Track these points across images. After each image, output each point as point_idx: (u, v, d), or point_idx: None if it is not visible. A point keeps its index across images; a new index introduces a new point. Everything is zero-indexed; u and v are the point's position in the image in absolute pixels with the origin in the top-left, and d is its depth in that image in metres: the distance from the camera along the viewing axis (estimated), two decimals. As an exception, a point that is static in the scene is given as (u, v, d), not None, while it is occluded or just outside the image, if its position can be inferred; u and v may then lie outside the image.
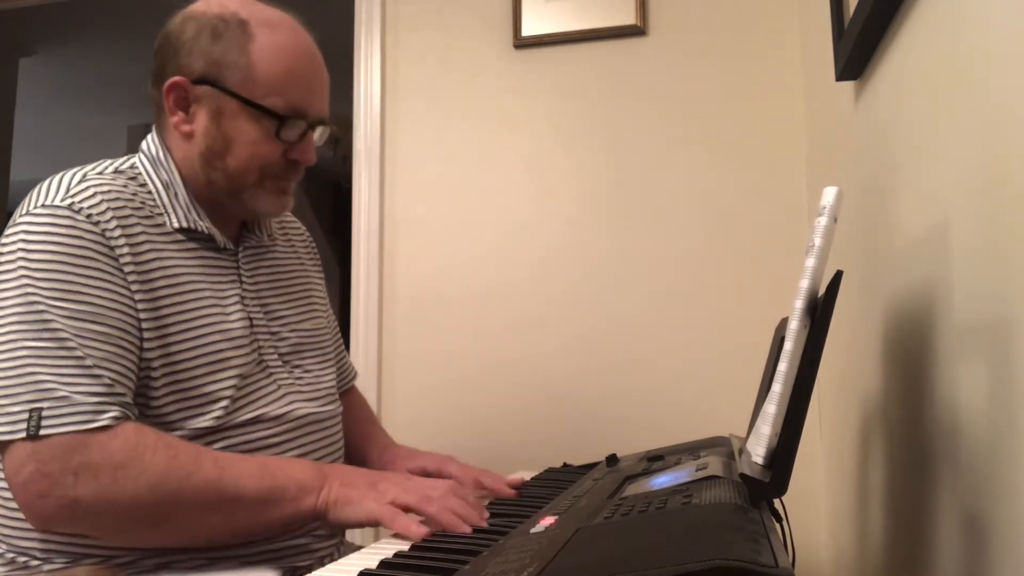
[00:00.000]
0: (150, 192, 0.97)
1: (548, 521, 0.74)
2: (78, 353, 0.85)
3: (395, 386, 1.76)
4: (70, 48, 3.56)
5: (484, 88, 1.79)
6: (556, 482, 1.11)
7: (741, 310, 1.59)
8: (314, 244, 1.24)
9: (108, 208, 0.91)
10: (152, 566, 0.89)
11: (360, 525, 0.89)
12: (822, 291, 0.66)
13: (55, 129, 4.37)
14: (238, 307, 1.00)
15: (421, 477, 0.93)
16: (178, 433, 0.91)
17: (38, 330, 0.85)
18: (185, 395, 0.92)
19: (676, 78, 1.69)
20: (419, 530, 0.80)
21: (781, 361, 0.66)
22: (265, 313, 1.04)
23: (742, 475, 0.66)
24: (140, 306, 0.90)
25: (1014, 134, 0.55)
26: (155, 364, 0.90)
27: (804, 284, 0.68)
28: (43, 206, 0.90)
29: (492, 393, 1.70)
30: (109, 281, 0.89)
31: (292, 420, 1.00)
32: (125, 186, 0.95)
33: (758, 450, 0.65)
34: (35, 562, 0.89)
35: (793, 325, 0.66)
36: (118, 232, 0.91)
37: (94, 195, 0.91)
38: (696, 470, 0.79)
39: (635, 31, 1.70)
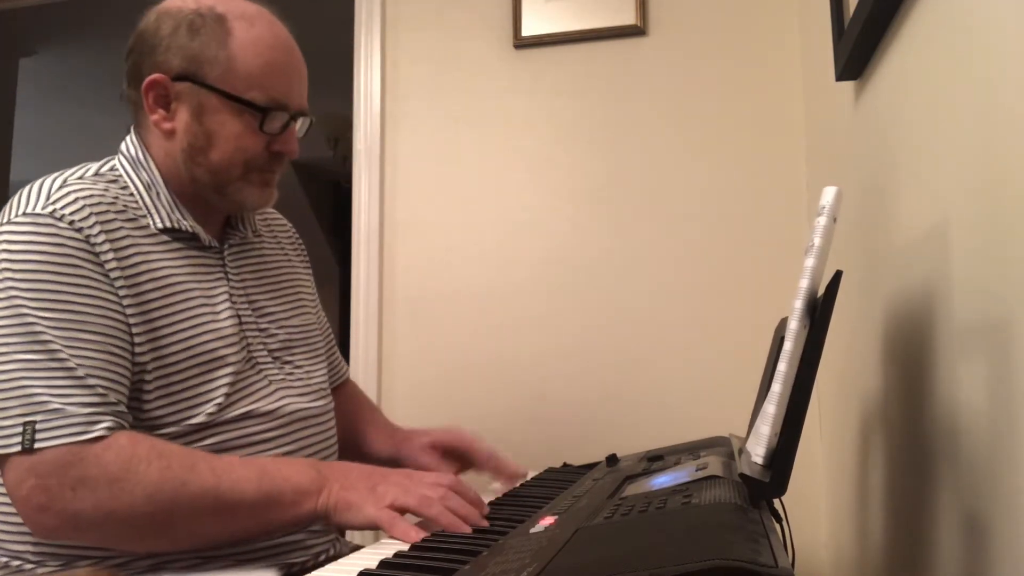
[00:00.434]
0: (132, 194, 0.97)
1: (548, 521, 0.74)
2: (69, 364, 0.84)
3: (395, 386, 1.76)
4: (70, 48, 3.56)
5: (484, 88, 1.79)
6: (556, 482, 1.11)
7: (741, 310, 1.59)
8: (300, 240, 1.23)
9: (91, 214, 0.90)
10: (147, 566, 0.89)
11: (360, 528, 0.88)
12: (822, 291, 0.66)
13: (55, 129, 4.37)
14: (227, 305, 0.99)
15: (422, 473, 0.92)
16: (169, 430, 0.91)
17: (28, 342, 0.84)
18: (178, 395, 0.92)
19: (676, 78, 1.69)
20: (418, 535, 0.80)
21: (781, 361, 0.66)
22: (254, 310, 1.04)
23: (742, 475, 0.66)
24: (129, 311, 0.90)
25: (1014, 134, 0.55)
26: (148, 368, 0.90)
27: (804, 284, 0.68)
28: (24, 214, 0.89)
29: (492, 393, 1.70)
30: (96, 288, 0.88)
31: (283, 416, 1.00)
32: (106, 190, 0.95)
33: (758, 450, 0.65)
34: (28, 566, 0.89)
35: (793, 325, 0.66)
36: (102, 238, 0.90)
37: (75, 201, 0.90)
38: (696, 470, 0.79)
39: (635, 31, 1.70)
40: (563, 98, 1.74)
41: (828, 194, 0.70)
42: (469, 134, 1.78)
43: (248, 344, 1.00)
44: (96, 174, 0.97)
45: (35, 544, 0.88)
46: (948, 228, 0.70)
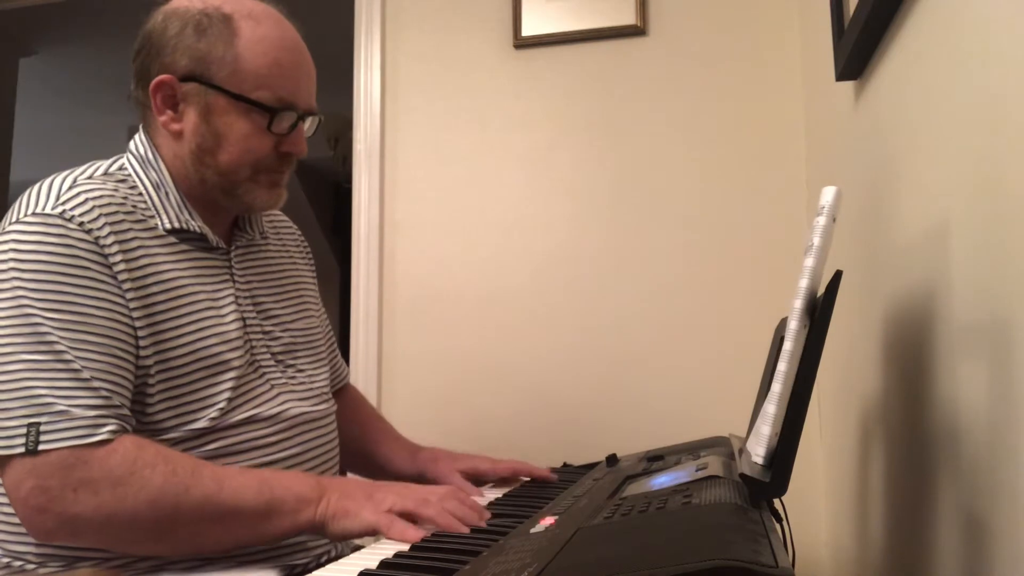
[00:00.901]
0: (140, 194, 0.97)
1: (548, 521, 0.74)
2: (75, 366, 0.84)
3: (395, 386, 1.76)
4: (70, 48, 3.56)
5: (484, 88, 1.79)
6: (556, 482, 1.11)
7: (741, 310, 1.59)
8: (306, 244, 1.23)
9: (100, 215, 0.90)
10: (148, 567, 0.89)
11: (360, 536, 0.88)
12: (822, 291, 0.66)
13: (55, 129, 4.37)
14: (232, 307, 0.99)
15: (420, 485, 0.92)
16: (172, 435, 0.90)
17: (34, 343, 0.84)
18: (182, 399, 0.92)
19: (676, 78, 1.69)
20: (416, 535, 0.80)
21: (781, 361, 0.66)
22: (258, 312, 1.03)
23: (742, 475, 0.66)
24: (135, 313, 0.90)
25: (1014, 134, 0.55)
26: (151, 371, 0.90)
27: (803, 284, 0.68)
28: (34, 214, 0.89)
29: (492, 392, 1.70)
30: (103, 290, 0.88)
31: (286, 420, 0.99)
32: (116, 190, 0.94)
33: (758, 450, 0.65)
34: (30, 566, 0.89)
35: (793, 325, 0.66)
36: (111, 239, 0.90)
37: (85, 201, 0.90)
38: (696, 470, 0.79)
39: (635, 31, 1.70)
40: (563, 98, 1.74)
41: (828, 194, 0.70)
42: (469, 134, 1.78)
43: (252, 347, 1.00)
44: (105, 173, 0.97)
45: (37, 545, 0.88)
46: (948, 228, 0.70)
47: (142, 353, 0.90)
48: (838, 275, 0.65)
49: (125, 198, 0.95)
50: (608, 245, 1.68)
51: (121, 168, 0.99)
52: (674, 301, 1.64)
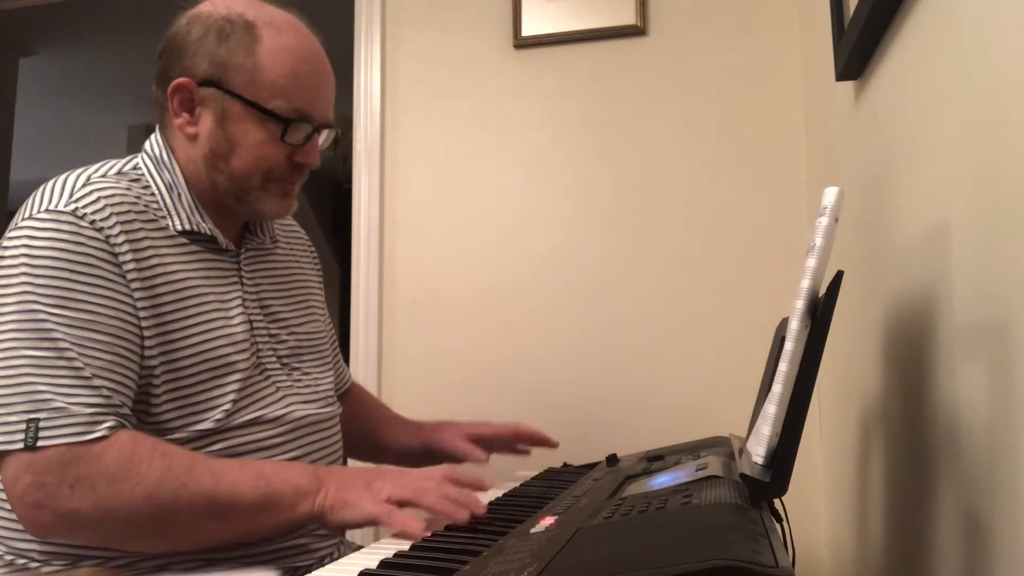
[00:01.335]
0: (153, 194, 0.97)
1: (548, 521, 0.74)
2: (77, 363, 0.84)
3: (395, 386, 1.76)
4: (70, 48, 3.56)
5: (484, 88, 1.79)
6: (556, 482, 1.11)
7: (741, 310, 1.59)
8: (314, 249, 1.24)
9: (112, 214, 0.91)
10: (151, 567, 0.89)
11: (359, 526, 0.89)
12: (823, 291, 0.66)
13: (55, 129, 4.37)
14: (240, 309, 0.99)
15: (417, 471, 0.93)
16: (177, 436, 0.91)
17: (37, 339, 0.84)
18: (187, 400, 0.92)
19: (676, 78, 1.69)
20: (417, 525, 0.80)
21: (781, 361, 0.66)
22: (265, 315, 1.04)
23: (742, 475, 0.66)
24: (142, 313, 0.90)
25: (1014, 134, 0.55)
26: (157, 371, 0.90)
27: (805, 284, 0.68)
28: (47, 211, 0.89)
29: (492, 393, 1.70)
30: (111, 289, 0.89)
31: (290, 422, 1.00)
32: (128, 189, 0.95)
33: (758, 450, 0.65)
34: (34, 564, 0.89)
35: (794, 325, 0.66)
36: (122, 238, 0.90)
37: (98, 200, 0.91)
38: (696, 470, 0.79)
39: (635, 31, 1.70)
40: (563, 98, 1.74)
41: (830, 194, 0.70)
42: (469, 134, 1.78)
43: (258, 349, 1.00)
44: (119, 172, 0.97)
45: (41, 542, 0.88)
46: (948, 228, 0.70)
47: (148, 353, 0.90)
48: (839, 275, 0.65)
49: (138, 198, 0.95)
50: (608, 245, 1.68)
51: (135, 168, 0.99)
52: (674, 301, 1.64)
